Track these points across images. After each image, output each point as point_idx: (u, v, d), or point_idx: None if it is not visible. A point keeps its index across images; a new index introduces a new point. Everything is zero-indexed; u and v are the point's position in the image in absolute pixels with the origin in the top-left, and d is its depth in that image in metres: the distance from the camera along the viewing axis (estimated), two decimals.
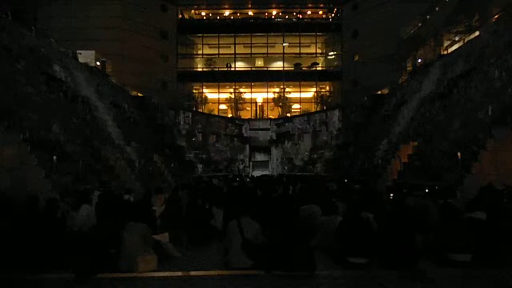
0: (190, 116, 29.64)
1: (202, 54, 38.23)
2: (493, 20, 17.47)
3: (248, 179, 20.85)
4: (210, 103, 37.79)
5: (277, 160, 33.04)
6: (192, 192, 9.59)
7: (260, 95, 38.13)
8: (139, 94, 27.10)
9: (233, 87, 37.16)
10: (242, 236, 5.38)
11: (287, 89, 37.51)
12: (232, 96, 37.27)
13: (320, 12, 38.40)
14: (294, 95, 37.90)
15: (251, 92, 37.61)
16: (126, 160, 17.13)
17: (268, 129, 33.64)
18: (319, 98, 37.23)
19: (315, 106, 37.03)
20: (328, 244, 6.04)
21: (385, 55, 29.34)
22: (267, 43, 37.51)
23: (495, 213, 6.11)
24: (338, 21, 36.06)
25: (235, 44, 37.05)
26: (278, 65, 37.81)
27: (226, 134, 32.21)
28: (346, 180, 17.01)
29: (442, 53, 21.72)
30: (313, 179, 19.61)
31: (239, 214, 5.70)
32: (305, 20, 37.59)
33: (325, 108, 35.33)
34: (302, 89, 37.72)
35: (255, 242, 5.38)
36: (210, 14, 38.38)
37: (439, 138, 14.15)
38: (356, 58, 34.04)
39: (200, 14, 38.53)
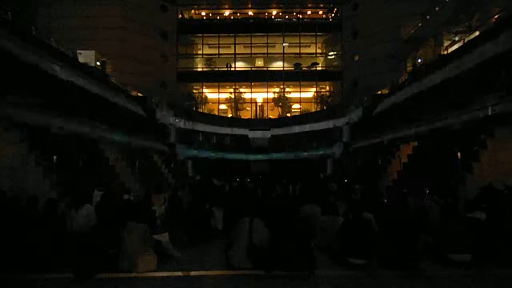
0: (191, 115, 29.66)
1: (202, 54, 38.20)
2: (493, 20, 17.46)
3: (248, 179, 20.86)
4: (210, 103, 37.78)
5: None
6: (193, 192, 9.59)
7: (260, 95, 38.11)
8: (139, 94, 27.08)
9: (233, 87, 37.14)
10: (249, 239, 5.32)
11: (287, 89, 37.50)
12: (232, 96, 37.25)
13: (320, 12, 38.36)
14: (294, 95, 37.89)
15: (251, 92, 37.60)
16: (126, 160, 17.14)
17: (267, 130, 33.59)
18: (319, 98, 37.21)
19: (315, 106, 37.04)
20: (328, 244, 6.04)
21: (385, 55, 29.34)
22: (267, 43, 37.48)
23: (495, 213, 6.12)
24: (338, 21, 36.04)
25: (235, 44, 37.03)
26: (278, 65, 37.79)
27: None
28: (346, 180, 17.03)
29: (442, 53, 21.71)
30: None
31: (253, 213, 5.59)
32: (305, 20, 37.56)
33: (325, 108, 35.31)
34: (302, 89, 37.69)
35: (260, 247, 5.30)
36: (210, 14, 38.33)
37: (439, 139, 14.15)
38: (356, 58, 34.02)
39: (200, 14, 38.48)
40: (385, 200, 9.04)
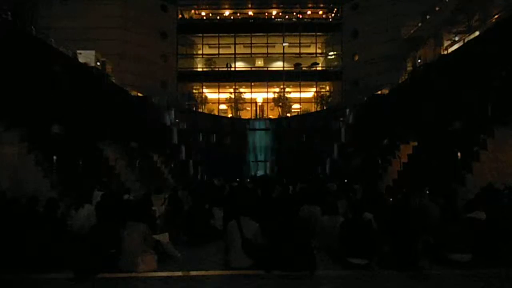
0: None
1: (202, 54, 38.19)
2: (493, 20, 17.47)
3: (248, 180, 20.86)
4: (210, 103, 37.76)
5: None
6: (193, 192, 9.58)
7: (260, 95, 38.11)
8: (139, 94, 27.07)
9: (233, 87, 37.13)
10: (242, 236, 5.39)
11: (287, 89, 37.48)
12: (232, 96, 37.24)
13: (320, 12, 38.34)
14: (294, 95, 37.87)
15: (251, 92, 37.59)
16: (126, 160, 17.14)
17: (268, 129, 33.66)
18: (319, 98, 37.19)
19: (315, 106, 37.03)
20: (328, 244, 6.04)
21: (385, 55, 29.33)
22: (267, 43, 37.45)
23: (495, 213, 6.12)
24: (338, 21, 36.00)
25: (235, 44, 37.00)
26: (278, 65, 37.78)
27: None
28: (346, 180, 17.01)
29: (442, 53, 21.72)
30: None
31: (238, 214, 5.70)
32: (305, 20, 37.52)
33: (325, 108, 35.30)
34: (302, 89, 37.67)
35: (255, 242, 5.39)
36: (210, 14, 38.31)
37: (439, 138, 14.14)
38: (356, 58, 34.01)
39: (200, 14, 38.45)
40: (386, 200, 9.03)
